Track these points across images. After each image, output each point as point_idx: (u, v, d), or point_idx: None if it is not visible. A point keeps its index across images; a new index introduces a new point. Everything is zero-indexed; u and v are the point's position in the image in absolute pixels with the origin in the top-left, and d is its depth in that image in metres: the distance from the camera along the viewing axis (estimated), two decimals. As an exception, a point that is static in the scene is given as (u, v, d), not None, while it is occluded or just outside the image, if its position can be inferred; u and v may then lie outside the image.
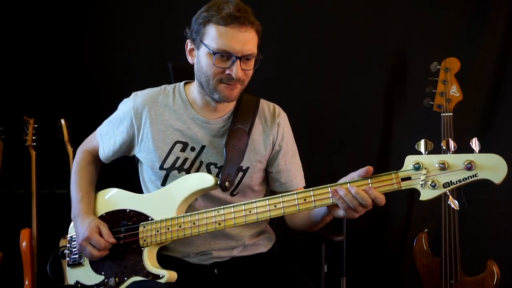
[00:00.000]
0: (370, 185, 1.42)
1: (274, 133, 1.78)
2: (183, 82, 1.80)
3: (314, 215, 1.66)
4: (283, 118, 1.82)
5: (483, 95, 2.74)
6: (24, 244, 2.56)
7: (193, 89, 1.74)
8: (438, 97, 2.46)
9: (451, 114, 2.44)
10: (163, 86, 1.81)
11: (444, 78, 2.46)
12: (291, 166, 1.80)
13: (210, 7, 1.59)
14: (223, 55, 1.57)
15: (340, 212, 1.49)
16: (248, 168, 1.74)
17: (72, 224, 1.83)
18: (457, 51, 2.58)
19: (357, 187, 1.42)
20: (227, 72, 1.59)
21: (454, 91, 2.45)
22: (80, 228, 1.70)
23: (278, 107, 1.84)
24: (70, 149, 2.64)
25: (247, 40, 1.57)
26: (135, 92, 1.80)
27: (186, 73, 1.80)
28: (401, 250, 2.83)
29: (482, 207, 2.70)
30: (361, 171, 1.45)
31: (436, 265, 2.47)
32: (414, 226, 2.77)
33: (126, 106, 1.78)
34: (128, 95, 1.82)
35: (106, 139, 1.83)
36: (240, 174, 1.73)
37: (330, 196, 1.46)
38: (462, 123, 2.58)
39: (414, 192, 1.41)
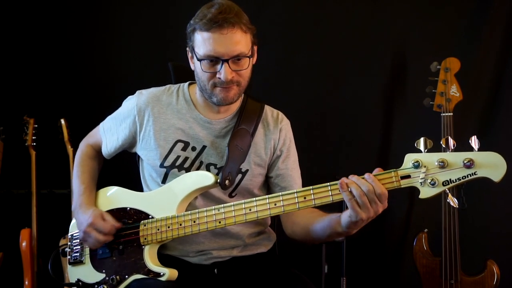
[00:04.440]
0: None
1: (276, 138, 1.78)
2: (187, 83, 1.81)
3: (317, 230, 1.62)
4: (286, 124, 1.82)
5: (483, 95, 2.74)
6: (24, 244, 2.57)
7: (197, 90, 1.75)
8: (438, 97, 2.46)
9: (451, 114, 2.44)
10: (167, 86, 1.82)
11: (444, 78, 2.46)
12: (292, 172, 1.80)
13: (197, 15, 1.61)
14: (211, 60, 1.58)
15: (346, 215, 1.45)
16: (247, 170, 1.74)
17: (72, 222, 1.83)
18: (457, 51, 2.58)
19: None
20: (217, 76, 1.60)
21: (454, 91, 2.45)
22: (83, 217, 1.70)
23: (282, 114, 1.85)
24: (70, 149, 2.64)
25: (231, 42, 1.56)
26: (140, 90, 1.81)
27: (186, 73, 1.81)
28: (401, 250, 2.83)
29: (482, 207, 2.69)
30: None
31: (436, 265, 2.47)
32: (414, 226, 2.77)
33: (130, 104, 1.79)
34: (128, 95, 1.83)
35: (109, 135, 1.83)
36: (239, 176, 1.73)
37: (341, 192, 1.43)
38: (462, 123, 2.58)
39: (414, 192, 1.40)
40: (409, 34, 2.78)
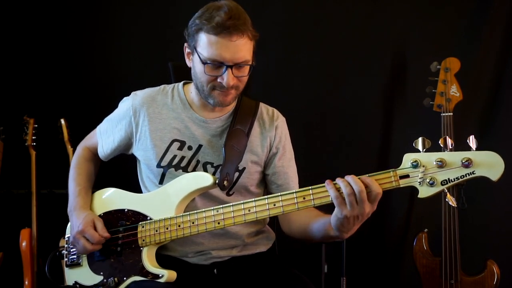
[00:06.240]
0: None
1: (272, 135, 1.78)
2: (182, 82, 1.82)
3: (313, 230, 1.63)
4: (281, 121, 1.83)
5: (483, 95, 2.74)
6: (24, 244, 2.57)
7: (192, 89, 1.76)
8: (438, 97, 2.46)
9: (451, 114, 2.44)
10: (162, 86, 1.83)
11: (444, 78, 2.46)
12: (288, 169, 1.80)
13: (203, 13, 1.58)
14: (215, 64, 1.57)
15: (333, 215, 1.45)
16: (244, 168, 1.74)
17: (69, 224, 1.83)
18: (457, 51, 2.58)
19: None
20: (218, 80, 1.59)
21: (454, 91, 2.45)
22: (75, 221, 1.70)
23: (277, 111, 1.85)
24: (70, 149, 2.64)
25: (238, 49, 1.56)
26: (135, 92, 1.82)
27: (186, 73, 1.80)
28: (401, 250, 2.83)
29: (482, 207, 2.69)
30: None
31: (436, 265, 2.47)
32: (414, 226, 2.77)
33: (125, 105, 1.79)
34: (128, 95, 1.83)
35: (105, 137, 1.84)
36: (237, 174, 1.73)
37: (327, 189, 1.43)
38: (462, 123, 2.58)
39: (414, 193, 1.40)
40: (409, 34, 2.77)
